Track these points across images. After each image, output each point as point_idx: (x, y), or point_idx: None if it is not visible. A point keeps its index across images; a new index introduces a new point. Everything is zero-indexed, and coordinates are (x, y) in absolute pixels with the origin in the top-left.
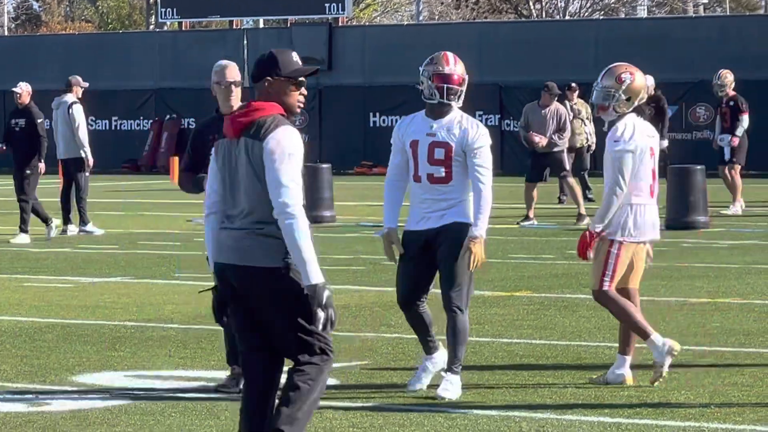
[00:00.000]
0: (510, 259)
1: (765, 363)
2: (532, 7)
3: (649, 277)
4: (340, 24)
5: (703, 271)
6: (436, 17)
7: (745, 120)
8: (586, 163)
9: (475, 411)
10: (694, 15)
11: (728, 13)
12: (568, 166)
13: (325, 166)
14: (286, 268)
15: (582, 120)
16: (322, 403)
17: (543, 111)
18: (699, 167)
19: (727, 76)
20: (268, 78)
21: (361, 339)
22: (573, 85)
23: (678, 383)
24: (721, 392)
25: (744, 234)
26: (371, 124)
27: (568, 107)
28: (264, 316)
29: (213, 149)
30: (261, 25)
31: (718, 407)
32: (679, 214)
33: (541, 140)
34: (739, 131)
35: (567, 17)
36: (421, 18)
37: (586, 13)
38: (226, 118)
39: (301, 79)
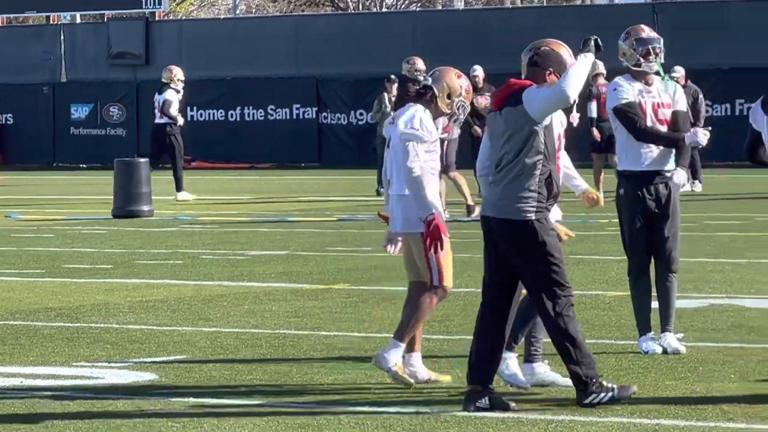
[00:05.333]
0: (328, 252)
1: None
2: (349, 0)
3: (467, 269)
4: (156, 18)
5: None
6: (254, 11)
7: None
8: None
9: (292, 403)
10: (511, 6)
11: (545, 4)
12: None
13: (142, 160)
14: None
15: None
16: (138, 399)
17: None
18: None
19: None
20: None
21: (179, 333)
22: (392, 77)
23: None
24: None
25: (566, 224)
26: (189, 118)
27: (386, 99)
28: None
29: None
30: (78, 20)
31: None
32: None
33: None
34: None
35: (384, 9)
36: (238, 11)
37: (403, 5)
38: None
39: None
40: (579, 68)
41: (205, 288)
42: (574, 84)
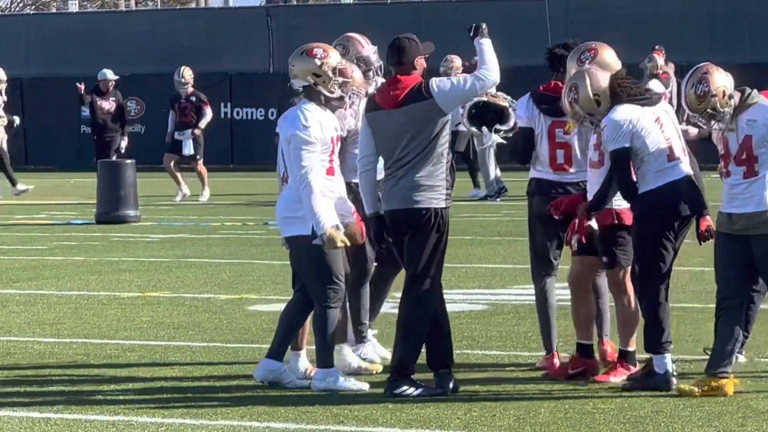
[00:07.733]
0: None
1: (192, 357)
2: None
3: (78, 272)
4: None
5: (133, 265)
6: None
7: (208, 113)
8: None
9: None
10: (125, 9)
11: (159, 7)
12: None
13: None
14: None
15: None
16: None
17: None
18: (129, 161)
19: (185, 74)
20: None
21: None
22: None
23: (105, 377)
24: (153, 387)
25: (175, 228)
26: None
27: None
28: None
29: None
30: None
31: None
32: (109, 208)
33: None
34: (203, 123)
35: None
36: None
37: (17, 8)
38: None
39: None
40: (491, 50)
41: None
42: (495, 65)
